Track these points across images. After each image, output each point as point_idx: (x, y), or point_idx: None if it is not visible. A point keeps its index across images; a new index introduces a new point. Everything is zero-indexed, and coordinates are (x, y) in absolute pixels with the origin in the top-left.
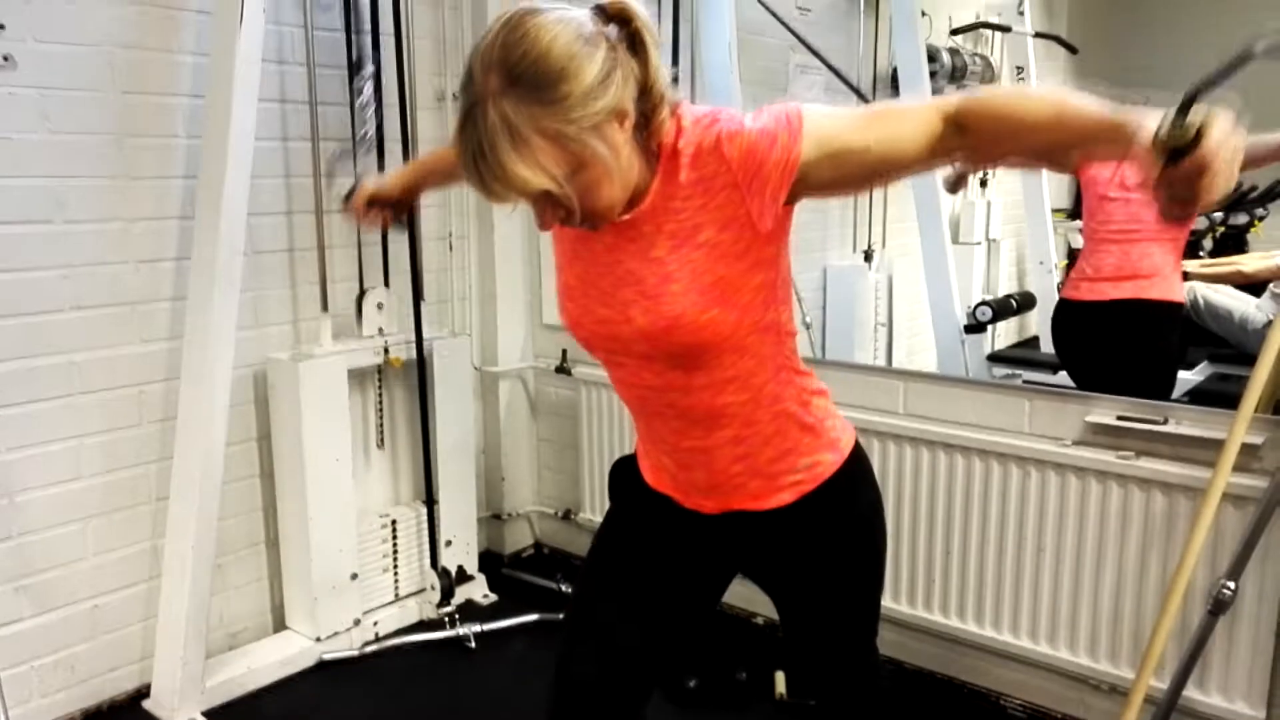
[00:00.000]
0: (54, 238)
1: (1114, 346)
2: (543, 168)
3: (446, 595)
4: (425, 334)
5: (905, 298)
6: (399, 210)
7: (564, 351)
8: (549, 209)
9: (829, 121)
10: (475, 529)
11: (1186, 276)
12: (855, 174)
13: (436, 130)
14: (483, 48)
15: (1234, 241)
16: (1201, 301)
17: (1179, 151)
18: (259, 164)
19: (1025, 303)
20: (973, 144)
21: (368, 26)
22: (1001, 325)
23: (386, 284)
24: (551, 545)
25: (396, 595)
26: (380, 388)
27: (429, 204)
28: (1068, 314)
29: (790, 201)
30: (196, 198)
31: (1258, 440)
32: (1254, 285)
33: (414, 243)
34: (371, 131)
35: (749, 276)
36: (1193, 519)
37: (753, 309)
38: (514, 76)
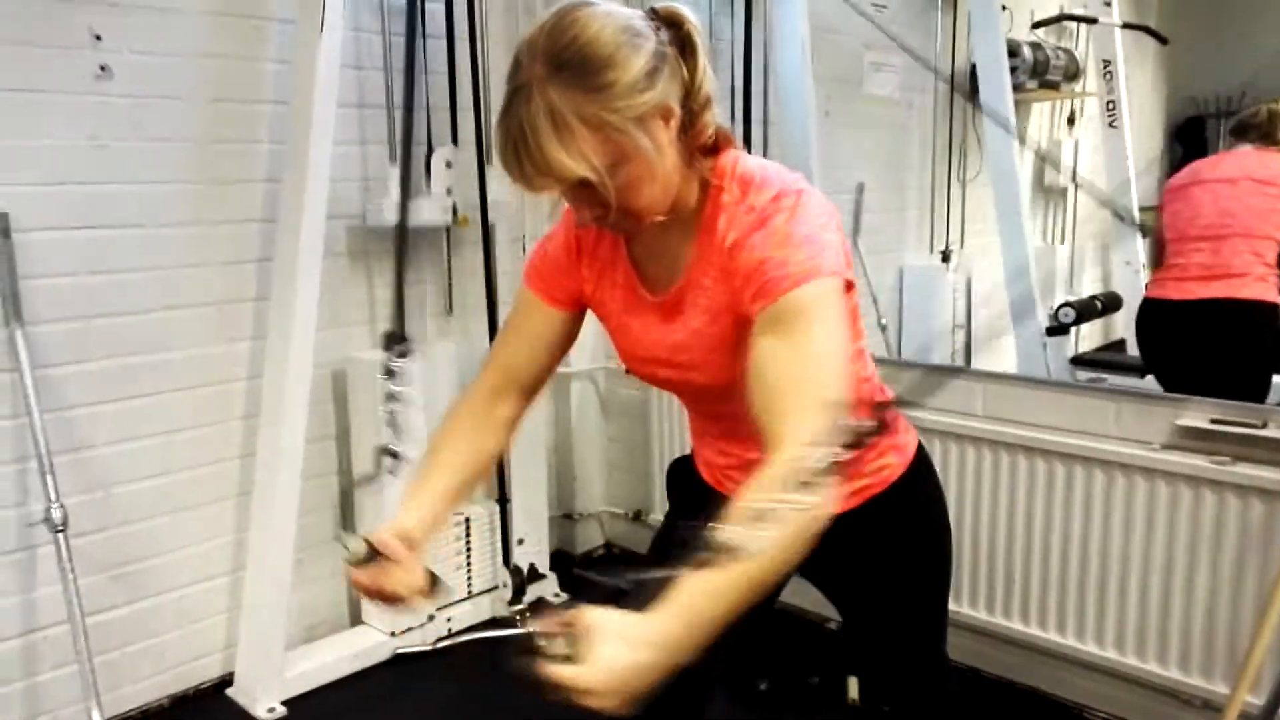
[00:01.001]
0: (146, 241)
1: (1204, 348)
2: (583, 155)
3: (518, 593)
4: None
5: (985, 299)
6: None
7: None
8: (586, 203)
9: (822, 306)
10: (547, 528)
11: None
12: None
13: None
14: (531, 35)
15: None
16: None
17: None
18: (337, 168)
19: (1110, 304)
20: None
21: (442, 31)
22: (1086, 327)
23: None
24: (622, 545)
25: (470, 592)
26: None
27: (498, 202)
28: (1154, 314)
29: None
30: (279, 200)
31: None
32: None
33: (489, 260)
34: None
35: None
36: None
37: None
38: (560, 62)
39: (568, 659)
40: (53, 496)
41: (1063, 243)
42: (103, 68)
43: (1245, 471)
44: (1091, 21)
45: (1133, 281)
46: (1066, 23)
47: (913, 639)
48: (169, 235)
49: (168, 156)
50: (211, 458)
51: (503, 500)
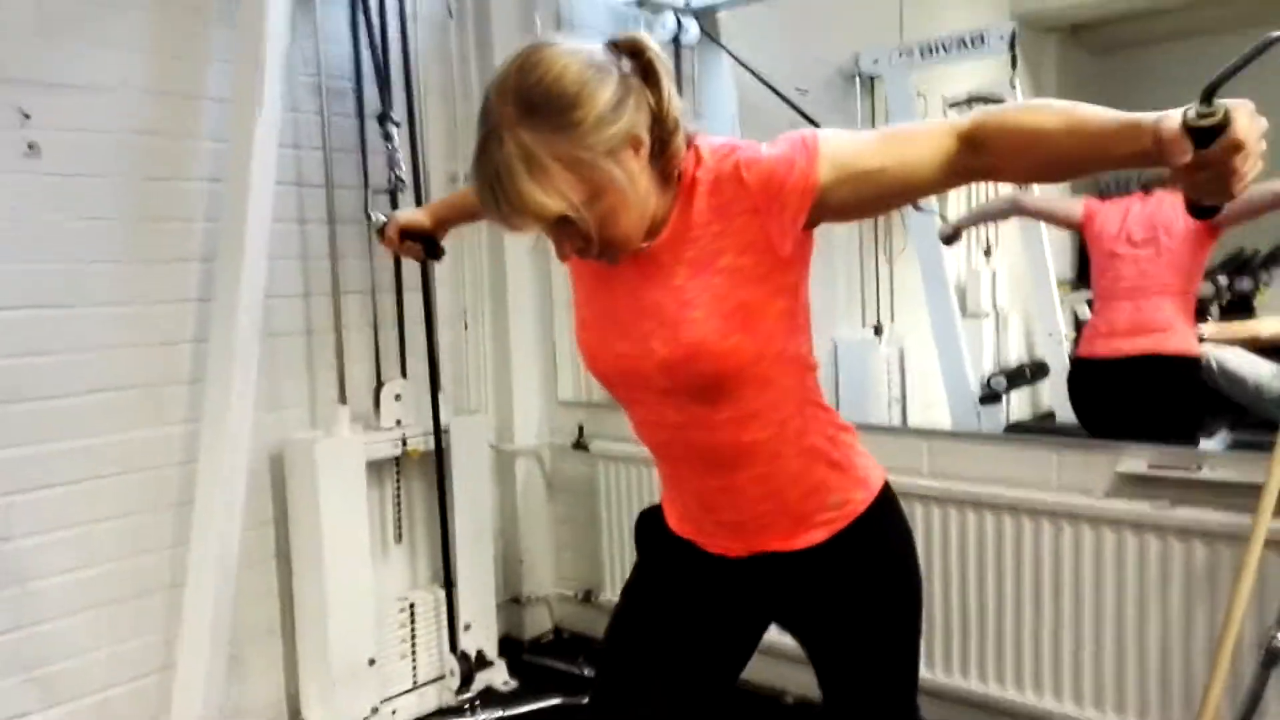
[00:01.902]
0: (70, 321)
1: (1135, 402)
2: (560, 193)
3: (466, 681)
4: (442, 418)
5: (918, 371)
6: (432, 243)
7: (580, 427)
8: (567, 238)
9: (845, 144)
10: (494, 613)
11: (1201, 340)
12: (873, 195)
13: None
14: (498, 78)
15: (1241, 306)
16: (1215, 365)
17: (1209, 135)
18: (275, 246)
19: (1038, 371)
20: (990, 161)
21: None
22: (1015, 399)
23: (404, 373)
24: (572, 630)
25: (415, 682)
26: (399, 479)
27: (443, 284)
28: (1085, 372)
29: (810, 225)
30: (215, 280)
31: None
32: (1270, 350)
33: (431, 334)
34: (401, 173)
35: (770, 303)
36: (1236, 568)
37: (775, 338)
38: (529, 104)
39: (1217, 127)
40: None
41: (987, 316)
42: (31, 145)
43: (1185, 515)
44: (999, 103)
45: (1056, 351)
46: (976, 103)
47: (886, 681)
48: (98, 315)
49: (97, 235)
50: (138, 549)
51: (448, 585)
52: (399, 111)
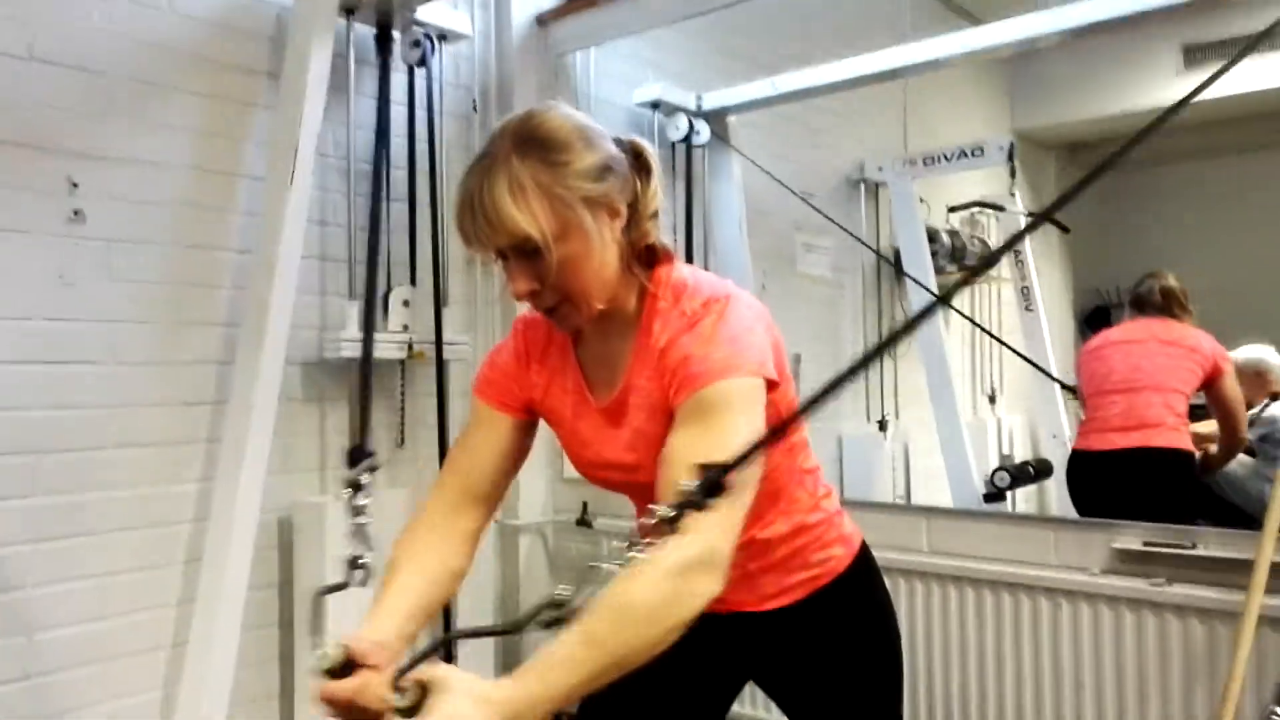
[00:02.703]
0: (105, 378)
1: (1129, 494)
2: (533, 214)
3: None
4: None
5: (921, 470)
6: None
7: (584, 504)
8: (525, 274)
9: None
10: None
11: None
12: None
13: (467, 289)
14: (502, 123)
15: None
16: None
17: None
18: (297, 315)
19: (1042, 469)
20: None
21: (404, 194)
22: (1020, 499)
23: (401, 444)
24: (570, 713)
25: None
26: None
27: (456, 359)
28: (1081, 465)
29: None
30: (238, 345)
31: None
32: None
33: (442, 400)
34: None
35: None
36: (1233, 645)
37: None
38: (524, 140)
39: (412, 710)
40: None
41: (992, 416)
42: (76, 212)
43: (1181, 591)
44: (1000, 209)
45: (1059, 452)
46: (979, 216)
47: None
48: (128, 373)
49: (134, 297)
50: (147, 603)
51: (448, 658)
52: (423, 196)
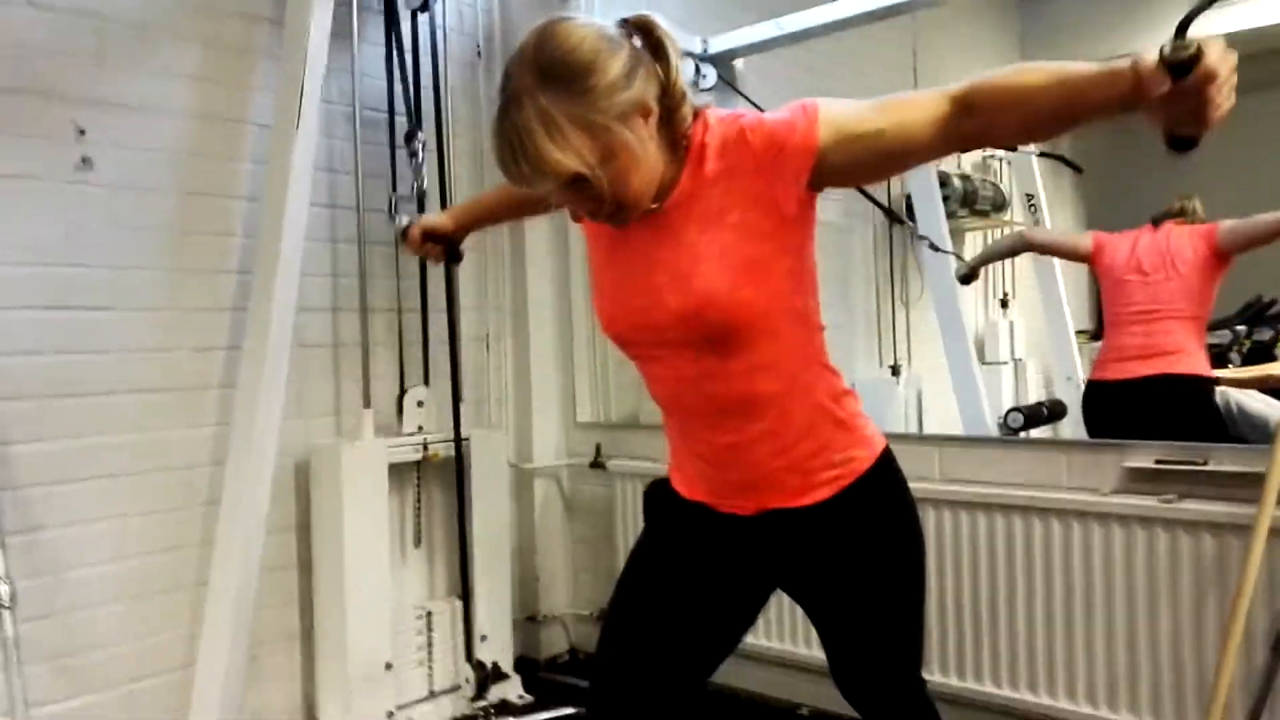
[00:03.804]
0: (116, 324)
1: (1146, 422)
2: (575, 151)
3: (481, 689)
4: (463, 429)
5: (935, 412)
6: (453, 245)
7: (597, 446)
8: (581, 199)
9: (844, 110)
10: (510, 629)
11: (1218, 382)
12: (871, 158)
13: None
14: (518, 51)
15: (1262, 355)
16: (1235, 407)
17: (1183, 69)
18: (308, 263)
19: (1056, 410)
20: (983, 122)
21: (417, 147)
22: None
23: (426, 382)
24: (588, 650)
25: (431, 691)
26: (419, 484)
27: (467, 306)
28: (1099, 394)
29: (814, 187)
30: (250, 291)
31: None
32: None
33: (454, 342)
34: (424, 185)
35: (777, 260)
36: (1244, 558)
37: (782, 293)
38: (546, 72)
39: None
40: (1, 573)
41: (1006, 364)
42: (84, 159)
43: (1193, 507)
44: (1011, 149)
45: (1073, 395)
46: (990, 160)
47: (889, 641)
48: (139, 319)
49: (142, 244)
50: (168, 544)
51: (465, 596)
52: (429, 141)
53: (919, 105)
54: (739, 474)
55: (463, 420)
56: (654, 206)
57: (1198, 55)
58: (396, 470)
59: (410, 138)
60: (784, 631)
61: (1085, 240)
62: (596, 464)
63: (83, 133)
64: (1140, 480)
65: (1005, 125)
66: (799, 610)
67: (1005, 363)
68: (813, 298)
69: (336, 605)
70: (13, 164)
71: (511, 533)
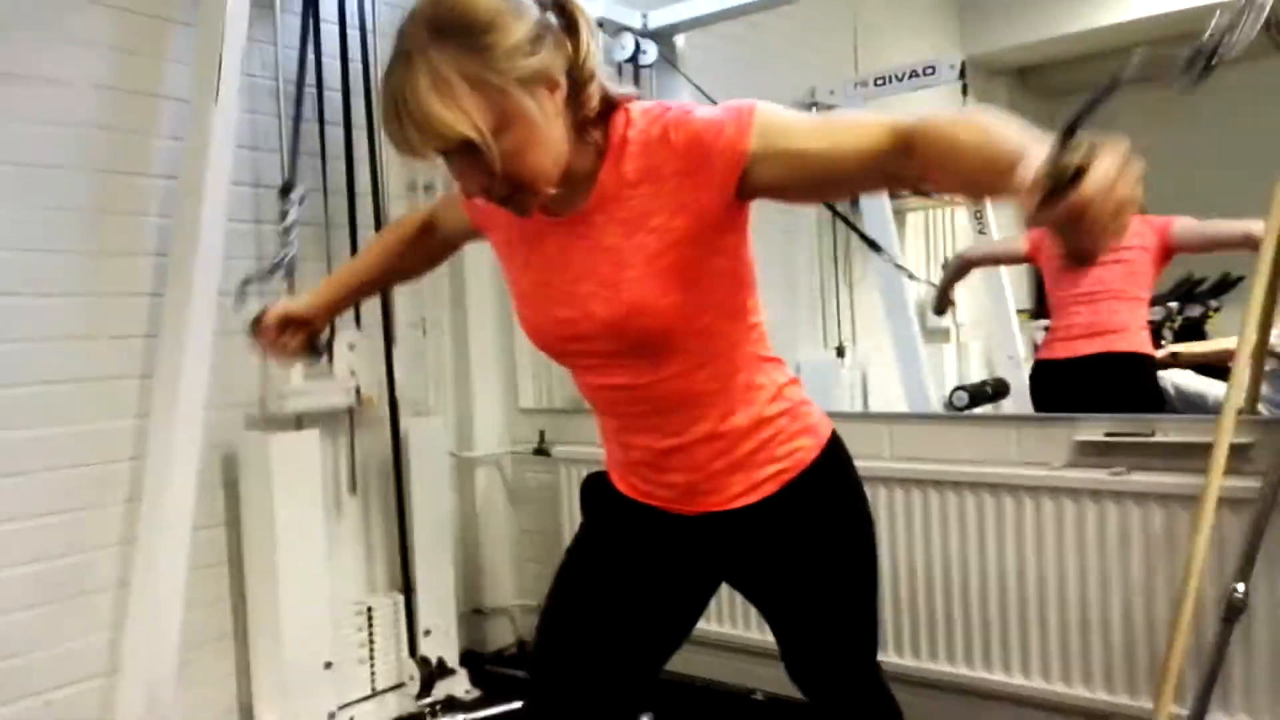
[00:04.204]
0: (24, 311)
1: (1092, 399)
2: (464, 112)
3: (426, 686)
4: (401, 421)
5: (880, 393)
6: (314, 334)
7: (541, 433)
8: (470, 171)
9: (780, 120)
10: (455, 622)
11: (1175, 357)
12: (800, 176)
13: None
14: (413, 7)
15: (1193, 332)
16: (1172, 389)
17: (1064, 182)
18: (231, 245)
19: (999, 389)
20: (918, 167)
21: (339, 118)
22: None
23: (358, 325)
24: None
25: (374, 689)
26: (352, 440)
27: (402, 291)
28: (1045, 372)
29: (743, 196)
30: (168, 276)
31: (1248, 440)
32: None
33: (388, 328)
34: (291, 255)
35: (707, 261)
36: (1193, 528)
37: (714, 293)
38: (440, 27)
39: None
40: None
41: (948, 342)
42: None
43: (1141, 479)
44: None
45: (1016, 374)
46: None
47: (843, 635)
48: (50, 305)
49: (52, 225)
50: (88, 544)
51: (407, 590)
52: (358, 117)
53: (859, 133)
54: (682, 477)
55: (400, 410)
56: (576, 210)
57: (1080, 170)
58: (328, 426)
59: (285, 191)
60: (736, 616)
61: (1019, 244)
62: (540, 451)
63: None
64: (1090, 454)
65: (935, 180)
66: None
67: (946, 329)
68: (750, 292)
69: (270, 602)
70: None
71: (454, 523)
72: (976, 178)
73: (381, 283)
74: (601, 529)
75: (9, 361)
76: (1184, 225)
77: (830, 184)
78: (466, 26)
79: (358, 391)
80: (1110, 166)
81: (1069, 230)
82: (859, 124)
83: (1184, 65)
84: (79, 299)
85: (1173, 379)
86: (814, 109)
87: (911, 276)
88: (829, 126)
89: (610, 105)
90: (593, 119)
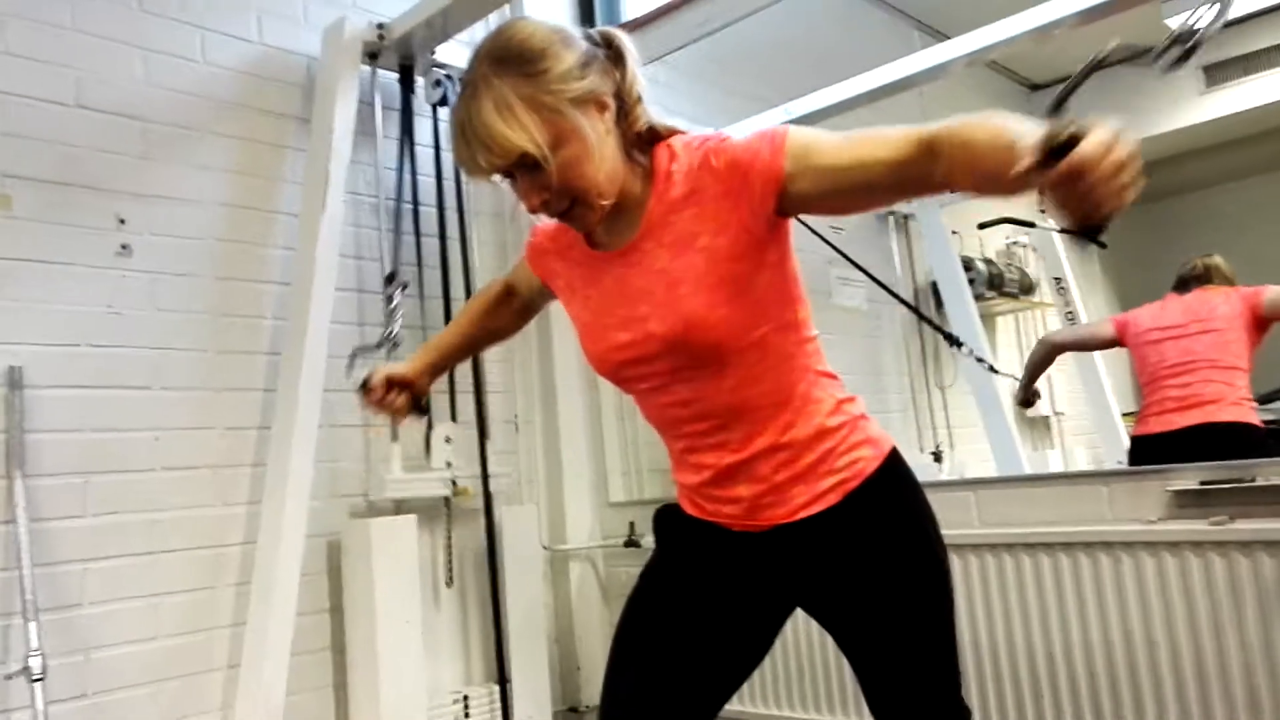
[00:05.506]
0: (150, 403)
1: None
2: (524, 128)
3: None
4: (495, 513)
5: None
6: (417, 397)
7: (631, 524)
8: (531, 186)
9: (811, 139)
10: (550, 718)
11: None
12: (838, 189)
13: None
14: (477, 47)
15: None
16: None
17: (1057, 153)
18: (335, 345)
19: None
20: (942, 169)
21: (435, 230)
22: None
23: (454, 419)
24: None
25: None
26: (449, 529)
27: (495, 389)
28: (1142, 448)
29: (782, 213)
30: (279, 372)
31: None
32: None
33: (481, 423)
34: (395, 330)
35: (754, 277)
36: None
37: (765, 306)
38: (500, 58)
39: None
40: (34, 645)
41: (1052, 448)
42: (124, 246)
43: (1245, 527)
44: (1029, 224)
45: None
46: (1014, 248)
47: (921, 654)
48: (173, 398)
49: (177, 326)
50: (199, 625)
51: (502, 681)
52: (452, 231)
53: (886, 143)
54: (746, 489)
55: (494, 503)
56: (625, 240)
57: (1071, 139)
58: (426, 516)
59: (390, 280)
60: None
61: (1105, 328)
62: (631, 543)
63: (123, 222)
64: (1187, 504)
65: (962, 179)
66: (780, 671)
67: (1052, 449)
68: (800, 305)
69: (371, 689)
70: (56, 250)
71: (549, 618)
72: (990, 166)
73: (473, 345)
74: (672, 555)
75: (136, 448)
76: (1275, 294)
77: (864, 194)
78: (523, 56)
79: (454, 482)
80: (1105, 132)
81: (1072, 195)
82: (885, 135)
83: (1160, 51)
84: (200, 393)
85: None
86: (891, 219)
87: (993, 369)
88: (857, 141)
89: (656, 135)
90: (640, 144)
